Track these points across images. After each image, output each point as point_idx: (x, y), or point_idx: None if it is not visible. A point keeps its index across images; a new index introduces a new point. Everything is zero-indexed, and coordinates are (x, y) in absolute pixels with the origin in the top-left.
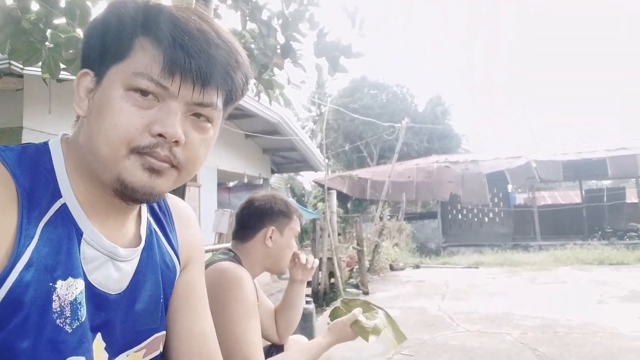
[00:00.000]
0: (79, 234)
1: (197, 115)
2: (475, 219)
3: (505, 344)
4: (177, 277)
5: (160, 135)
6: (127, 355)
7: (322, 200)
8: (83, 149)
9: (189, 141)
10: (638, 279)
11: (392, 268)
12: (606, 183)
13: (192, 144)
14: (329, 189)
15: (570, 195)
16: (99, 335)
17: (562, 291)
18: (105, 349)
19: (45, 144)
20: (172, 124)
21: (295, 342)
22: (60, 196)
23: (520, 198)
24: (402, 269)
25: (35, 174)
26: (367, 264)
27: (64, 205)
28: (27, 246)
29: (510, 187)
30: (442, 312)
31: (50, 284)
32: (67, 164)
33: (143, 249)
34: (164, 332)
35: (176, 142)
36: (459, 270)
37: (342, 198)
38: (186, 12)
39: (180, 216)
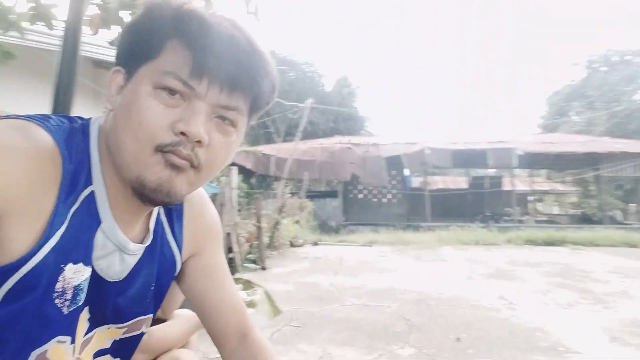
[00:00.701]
0: (98, 222)
1: (222, 118)
2: (375, 199)
3: (384, 315)
4: (176, 269)
5: (183, 134)
6: (108, 328)
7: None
8: (110, 143)
9: (211, 143)
10: (503, 258)
11: (292, 245)
12: (491, 172)
13: (214, 146)
14: (232, 164)
15: (459, 181)
16: (86, 308)
17: (440, 268)
18: (89, 319)
19: (87, 124)
20: (195, 124)
21: (181, 317)
22: (91, 183)
23: (416, 181)
24: (301, 245)
25: (78, 158)
26: (266, 240)
27: (92, 193)
28: (57, 230)
29: (406, 171)
30: (334, 287)
31: (62, 266)
32: (103, 151)
33: (158, 239)
34: (150, 316)
35: (199, 142)
36: (355, 248)
37: (247, 173)
38: (218, 17)
39: (191, 207)
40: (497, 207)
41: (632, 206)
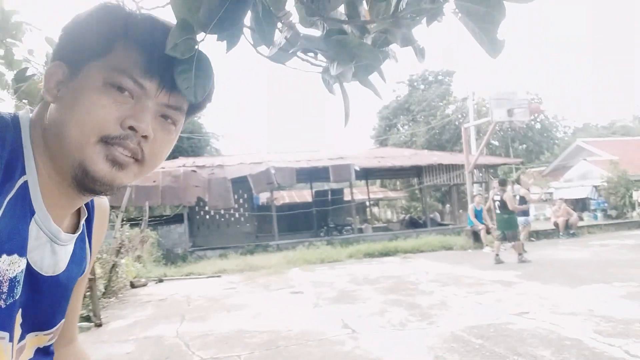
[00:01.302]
0: (32, 212)
1: (165, 116)
2: (222, 220)
3: None
4: (85, 270)
5: (131, 128)
6: (36, 335)
7: None
8: (47, 132)
9: (155, 139)
10: (345, 277)
11: (132, 285)
12: (332, 184)
13: (157, 142)
14: None
15: (304, 194)
16: (20, 311)
17: (288, 298)
18: (21, 325)
19: (16, 116)
20: (144, 120)
21: None
22: (25, 173)
23: (263, 197)
24: (144, 285)
25: (10, 147)
26: (102, 288)
27: (25, 183)
28: None
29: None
30: (180, 338)
31: None
32: (35, 141)
33: (77, 238)
34: (64, 320)
35: (145, 137)
36: (203, 281)
37: None
38: (167, 21)
39: (99, 212)
40: (339, 217)
41: (447, 207)
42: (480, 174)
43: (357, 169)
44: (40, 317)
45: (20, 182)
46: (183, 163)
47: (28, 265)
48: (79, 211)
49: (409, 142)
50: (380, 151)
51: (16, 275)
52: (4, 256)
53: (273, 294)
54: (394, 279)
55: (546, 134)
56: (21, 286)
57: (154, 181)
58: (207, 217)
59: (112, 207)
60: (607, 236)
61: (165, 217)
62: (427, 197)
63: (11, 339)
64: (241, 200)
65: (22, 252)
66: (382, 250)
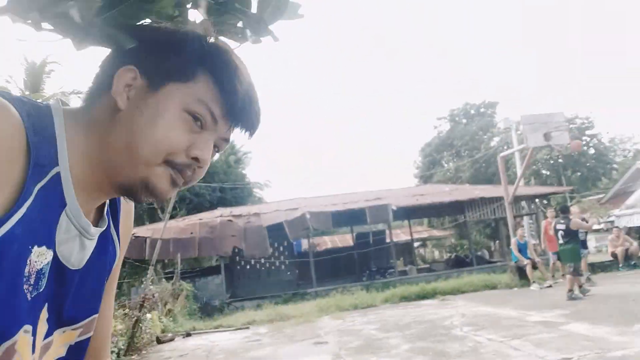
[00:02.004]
0: (63, 205)
1: (215, 146)
2: (262, 269)
3: None
4: (115, 264)
5: (194, 158)
6: (64, 332)
7: None
8: (101, 131)
9: (204, 164)
10: (375, 324)
11: (159, 341)
12: (376, 226)
13: (205, 167)
14: None
15: (347, 238)
16: (46, 305)
17: (311, 349)
18: (48, 320)
19: (48, 106)
20: (208, 152)
21: None
22: (57, 164)
23: (305, 243)
24: (171, 339)
25: (42, 134)
26: (122, 345)
27: (58, 174)
28: (25, 202)
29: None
30: None
31: (29, 247)
32: (67, 134)
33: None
34: (97, 315)
35: (201, 166)
36: (230, 333)
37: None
38: (239, 60)
39: (125, 205)
40: (382, 260)
41: (497, 243)
42: (532, 205)
43: (394, 208)
44: (68, 312)
45: (52, 172)
46: (220, 213)
47: (56, 258)
48: (101, 205)
49: (454, 177)
50: (420, 189)
51: (42, 268)
52: (35, 247)
53: (296, 346)
54: (426, 324)
55: (602, 158)
56: (46, 279)
57: (192, 233)
58: (247, 266)
59: (142, 261)
60: None
61: (198, 270)
62: (475, 233)
63: (34, 333)
64: (281, 248)
65: (50, 244)
66: (419, 292)
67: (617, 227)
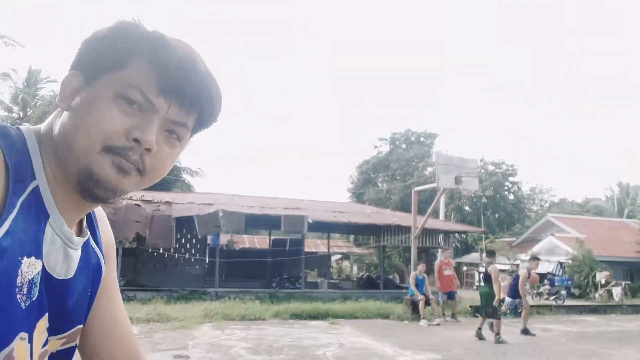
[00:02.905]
0: (46, 216)
1: (170, 131)
2: (170, 259)
3: None
4: (102, 274)
5: (135, 140)
6: (49, 340)
7: None
8: (56, 139)
9: (158, 152)
10: (251, 341)
11: None
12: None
13: (160, 155)
14: None
15: (266, 240)
16: (47, 315)
17: None
18: (48, 329)
19: (18, 128)
20: (150, 133)
21: None
22: (35, 178)
23: (224, 238)
24: None
25: (17, 152)
26: None
27: (37, 187)
28: (9, 215)
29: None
30: None
31: (19, 258)
32: (41, 151)
33: (84, 242)
34: (82, 326)
35: (148, 149)
36: None
37: None
38: (179, 42)
39: (99, 214)
40: (296, 268)
41: (409, 268)
42: (447, 240)
43: (310, 221)
44: (54, 322)
45: (31, 186)
46: (130, 196)
47: (45, 269)
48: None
49: (384, 199)
50: (342, 206)
51: (33, 277)
52: (25, 258)
53: (155, 356)
54: (298, 351)
55: (519, 205)
56: (37, 288)
57: None
58: (155, 254)
59: None
60: (554, 319)
61: None
62: (396, 256)
63: (30, 341)
64: (194, 240)
65: (38, 255)
66: (311, 312)
67: (511, 274)
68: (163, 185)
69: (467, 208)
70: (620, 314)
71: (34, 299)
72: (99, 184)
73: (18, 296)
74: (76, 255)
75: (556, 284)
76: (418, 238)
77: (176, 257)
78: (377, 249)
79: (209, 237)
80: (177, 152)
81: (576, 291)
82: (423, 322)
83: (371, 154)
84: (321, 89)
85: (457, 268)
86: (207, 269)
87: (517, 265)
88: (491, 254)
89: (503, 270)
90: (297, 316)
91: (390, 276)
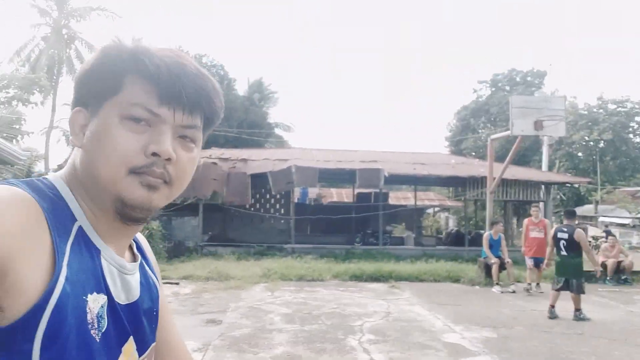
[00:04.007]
0: (97, 251)
1: (183, 136)
2: (256, 216)
3: None
4: (159, 295)
5: (154, 154)
6: None
7: None
8: (82, 177)
9: (178, 159)
10: (293, 306)
11: None
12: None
13: (181, 162)
14: None
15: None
16: (131, 338)
17: (195, 330)
18: (137, 350)
19: (46, 178)
20: (165, 143)
21: None
22: (76, 220)
23: (313, 192)
24: None
25: (51, 201)
26: None
27: (81, 228)
28: (63, 261)
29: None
30: None
31: (84, 297)
32: (75, 193)
33: (139, 265)
34: (155, 344)
35: (169, 159)
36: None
37: None
38: (165, 51)
39: (143, 241)
40: (383, 222)
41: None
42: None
43: (387, 175)
44: (139, 343)
45: (75, 228)
46: (210, 154)
47: (112, 299)
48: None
49: (483, 147)
50: (423, 157)
51: (99, 311)
52: (89, 295)
53: (190, 320)
54: (335, 320)
55: None
56: (105, 320)
57: None
58: (242, 209)
59: None
60: None
61: (173, 208)
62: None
63: None
64: (277, 196)
65: (99, 289)
66: (373, 273)
67: (613, 236)
68: (256, 143)
69: (579, 154)
70: None
71: (103, 330)
72: (134, 207)
73: (92, 332)
74: (134, 279)
75: None
76: (503, 191)
77: (262, 211)
78: (471, 202)
79: (297, 191)
80: (195, 154)
81: None
82: (496, 289)
83: (470, 99)
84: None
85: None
86: (296, 224)
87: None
88: (570, 215)
89: (623, 225)
90: (358, 277)
91: (482, 231)
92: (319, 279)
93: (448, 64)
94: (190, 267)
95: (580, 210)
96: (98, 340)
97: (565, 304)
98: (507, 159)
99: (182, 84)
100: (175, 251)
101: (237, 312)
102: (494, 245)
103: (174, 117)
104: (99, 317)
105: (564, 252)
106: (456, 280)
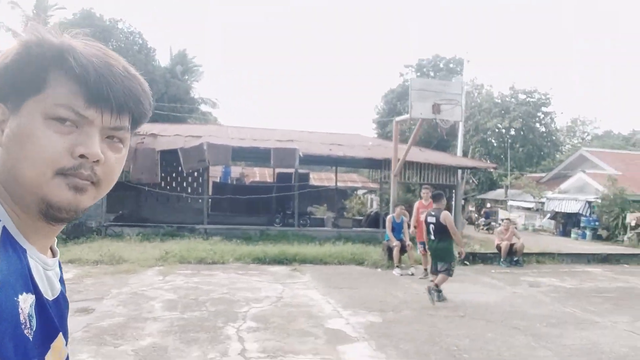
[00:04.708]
0: (23, 251)
1: (111, 137)
2: (173, 195)
3: None
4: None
5: (82, 156)
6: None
7: None
8: (2, 178)
9: (106, 160)
10: (181, 291)
11: None
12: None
13: (109, 163)
14: None
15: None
16: (60, 334)
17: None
18: (66, 345)
19: None
20: (93, 146)
21: None
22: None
23: (236, 171)
24: None
25: None
26: None
27: (5, 228)
28: None
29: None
30: None
31: (15, 299)
32: None
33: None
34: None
35: (97, 161)
36: None
37: None
38: (92, 48)
39: None
40: (302, 204)
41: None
42: (453, 175)
43: (301, 155)
44: (65, 337)
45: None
46: None
47: (41, 296)
48: None
49: (408, 130)
50: (343, 138)
51: (29, 311)
52: (20, 296)
53: None
54: (220, 306)
55: (550, 138)
56: (34, 318)
57: None
58: (154, 189)
59: None
60: (552, 270)
61: None
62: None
63: None
64: (195, 174)
65: (28, 289)
66: (276, 256)
67: (507, 219)
68: (178, 119)
69: (492, 141)
70: (636, 265)
71: (34, 328)
72: (61, 209)
73: (25, 331)
74: (54, 274)
75: (582, 224)
76: (419, 174)
77: (167, 190)
78: (388, 184)
79: (219, 170)
80: (123, 154)
81: (603, 233)
82: (396, 271)
83: (397, 83)
84: (349, 9)
85: (481, 205)
86: (212, 203)
87: (542, 204)
88: (438, 197)
89: (529, 209)
90: (260, 260)
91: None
92: (220, 261)
93: (381, 46)
94: (82, 250)
95: (492, 194)
96: (31, 340)
97: (457, 286)
98: (410, 141)
99: (109, 86)
100: (75, 232)
101: (116, 299)
102: (397, 228)
103: (102, 119)
104: (30, 316)
105: (432, 237)
106: (360, 263)
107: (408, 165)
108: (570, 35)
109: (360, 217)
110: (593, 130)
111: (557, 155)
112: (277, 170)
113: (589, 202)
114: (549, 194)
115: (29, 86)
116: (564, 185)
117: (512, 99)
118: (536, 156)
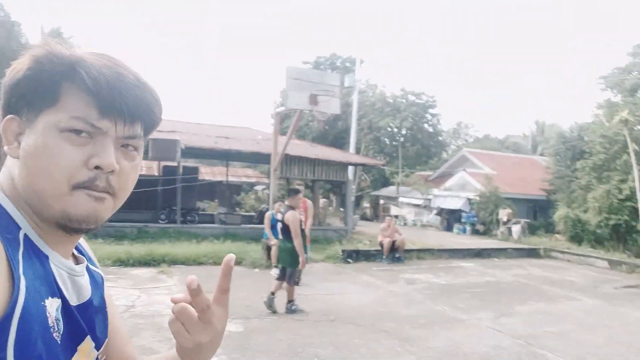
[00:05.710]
0: (45, 257)
1: (125, 145)
2: None
3: None
4: (104, 290)
5: (97, 167)
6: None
7: None
8: (22, 190)
9: (121, 170)
10: None
11: None
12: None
13: (124, 172)
14: None
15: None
16: (88, 337)
17: None
18: (96, 347)
19: None
20: (108, 157)
21: None
22: (20, 228)
23: None
24: None
25: None
26: None
27: (26, 236)
28: (19, 270)
29: None
30: None
31: (42, 303)
32: (15, 203)
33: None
34: (107, 339)
35: (112, 171)
36: None
37: None
38: (102, 59)
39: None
40: (192, 200)
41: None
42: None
43: (183, 147)
44: (95, 340)
45: (21, 236)
46: None
47: (66, 302)
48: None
49: (306, 127)
50: (233, 131)
51: (56, 315)
52: (46, 301)
53: None
54: None
55: (436, 138)
56: (61, 321)
57: None
58: None
59: None
60: (431, 266)
61: None
62: (322, 190)
63: None
64: None
65: (53, 293)
66: (143, 256)
67: (389, 216)
68: None
69: (385, 139)
70: (504, 258)
71: (61, 331)
72: (80, 221)
73: (54, 334)
74: (84, 280)
75: (463, 220)
76: (310, 170)
77: None
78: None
79: None
80: (138, 161)
81: (481, 227)
82: (274, 272)
83: None
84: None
85: (376, 202)
86: None
87: (429, 201)
88: (291, 193)
89: (417, 205)
90: (123, 262)
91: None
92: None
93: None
94: None
95: (385, 191)
96: (59, 342)
97: (334, 285)
98: (288, 134)
99: (122, 97)
100: None
101: None
102: (276, 226)
103: (116, 129)
104: (57, 320)
105: (280, 237)
106: (239, 262)
107: (297, 160)
108: (457, 42)
109: (254, 214)
110: (474, 132)
111: (444, 155)
112: (163, 163)
113: (469, 199)
114: (435, 191)
115: (43, 100)
116: (448, 183)
117: (403, 99)
118: (425, 155)
